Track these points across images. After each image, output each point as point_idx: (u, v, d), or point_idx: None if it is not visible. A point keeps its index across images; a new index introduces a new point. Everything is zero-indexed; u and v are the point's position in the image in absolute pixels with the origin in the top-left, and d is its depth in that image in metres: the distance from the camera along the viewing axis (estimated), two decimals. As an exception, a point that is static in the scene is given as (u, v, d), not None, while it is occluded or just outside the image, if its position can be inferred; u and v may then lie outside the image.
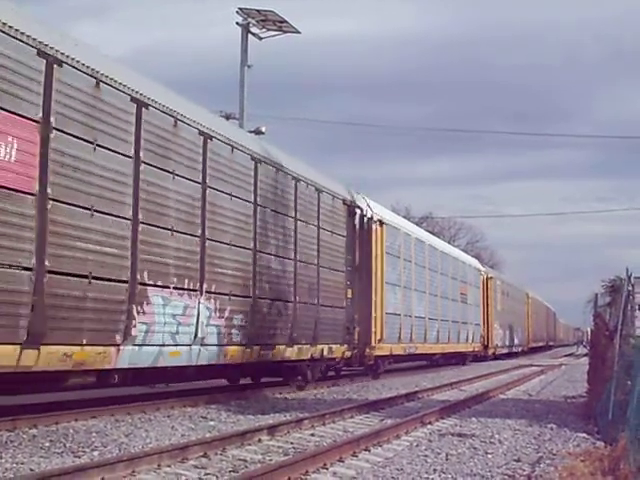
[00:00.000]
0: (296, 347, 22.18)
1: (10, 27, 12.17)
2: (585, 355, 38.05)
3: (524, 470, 11.10)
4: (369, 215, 28.73)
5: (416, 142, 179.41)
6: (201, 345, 17.36)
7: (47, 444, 11.98)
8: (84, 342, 13.53)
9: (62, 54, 13.24)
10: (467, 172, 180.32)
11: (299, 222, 22.67)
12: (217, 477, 9.97)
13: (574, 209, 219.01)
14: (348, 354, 26.22)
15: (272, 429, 13.83)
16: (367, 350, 27.99)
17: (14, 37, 12.25)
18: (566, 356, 74.95)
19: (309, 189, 23.54)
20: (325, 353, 24.28)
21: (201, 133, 17.57)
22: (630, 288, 17.70)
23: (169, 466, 10.49)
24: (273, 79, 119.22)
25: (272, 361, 21.33)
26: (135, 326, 14.93)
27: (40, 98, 12.69)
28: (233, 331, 18.78)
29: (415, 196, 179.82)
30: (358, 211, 27.65)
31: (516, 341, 63.55)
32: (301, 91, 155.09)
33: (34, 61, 12.62)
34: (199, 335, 17.17)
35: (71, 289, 13.20)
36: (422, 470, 10.86)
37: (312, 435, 14.07)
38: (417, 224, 54.72)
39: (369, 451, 12.35)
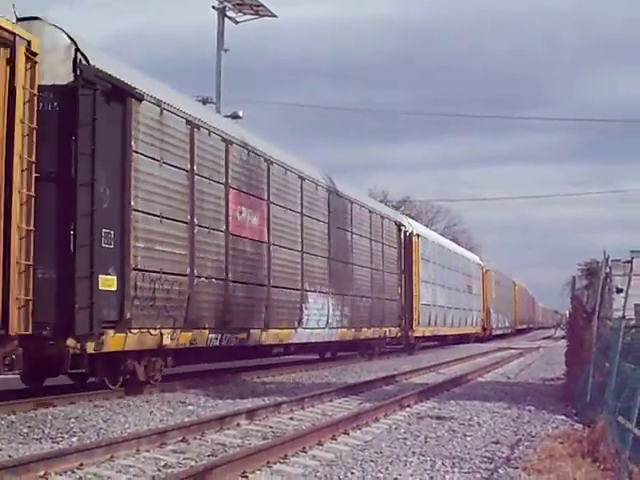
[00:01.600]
0: (372, 329, 32.06)
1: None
2: (563, 338, 38.34)
3: (503, 452, 11.13)
4: (410, 230, 38.91)
5: (394, 126, 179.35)
6: (329, 328, 27.18)
7: (25, 430, 11.94)
8: (283, 326, 23.43)
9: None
10: (445, 156, 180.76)
11: (374, 242, 32.97)
12: (196, 461, 9.94)
13: (551, 192, 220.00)
14: (399, 334, 36.26)
15: (251, 413, 13.83)
16: (410, 332, 37.68)
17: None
18: (544, 339, 75.40)
19: (376, 217, 33.79)
20: (387, 334, 34.43)
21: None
22: (607, 271, 17.78)
23: (148, 451, 10.47)
24: (250, 63, 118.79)
25: (359, 339, 31.12)
26: (302, 316, 24.86)
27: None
28: (343, 319, 28.59)
29: (393, 180, 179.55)
30: (403, 228, 37.80)
31: (507, 324, 74.68)
32: (277, 75, 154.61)
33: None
34: (329, 321, 27.11)
35: (282, 297, 23.43)
36: (401, 453, 10.87)
37: (291, 419, 14.07)
38: (395, 208, 56.13)
39: (348, 434, 12.36)
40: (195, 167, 18.58)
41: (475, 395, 18.77)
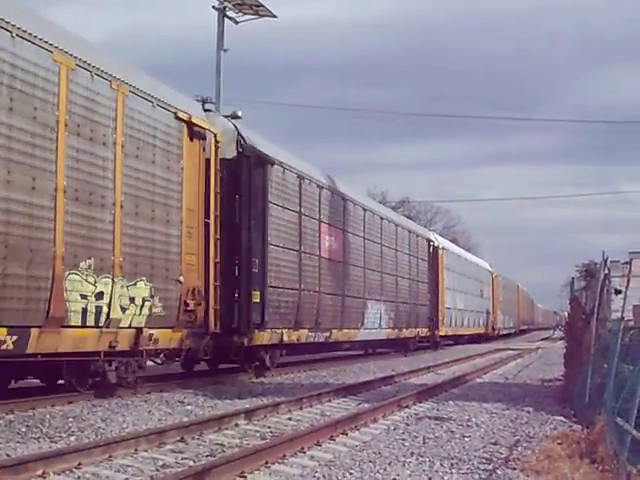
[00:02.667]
0: (409, 329, 38.53)
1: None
2: (561, 339, 38.52)
3: (501, 453, 11.15)
4: (436, 244, 45.36)
5: (392, 126, 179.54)
6: (380, 328, 33.57)
7: (24, 429, 11.93)
8: (352, 327, 29.70)
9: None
10: (443, 156, 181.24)
11: (411, 257, 39.62)
12: (194, 461, 9.94)
13: (550, 193, 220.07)
14: (428, 334, 42.61)
15: (249, 413, 13.83)
16: (436, 332, 43.96)
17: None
18: (543, 340, 75.50)
19: (413, 235, 40.38)
20: (419, 333, 40.82)
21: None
22: (606, 272, 17.77)
23: (146, 451, 10.47)
24: (249, 63, 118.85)
25: (400, 337, 37.31)
26: (364, 319, 31.30)
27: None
28: (389, 321, 34.96)
29: (391, 180, 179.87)
30: (432, 243, 44.48)
31: (511, 324, 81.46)
32: (277, 75, 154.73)
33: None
34: (381, 323, 33.60)
35: (352, 304, 29.64)
36: (399, 453, 10.88)
37: (289, 419, 14.07)
38: (394, 209, 57.28)
39: (346, 435, 12.37)
40: (302, 208, 25.01)
41: (474, 396, 18.79)
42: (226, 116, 27.79)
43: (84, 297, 14.56)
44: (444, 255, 46.64)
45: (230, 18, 33.87)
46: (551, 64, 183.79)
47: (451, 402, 17.27)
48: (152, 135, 16.93)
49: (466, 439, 12.38)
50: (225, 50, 33.58)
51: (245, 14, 34.22)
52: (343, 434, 12.34)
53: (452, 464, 10.22)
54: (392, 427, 13.45)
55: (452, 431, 13.16)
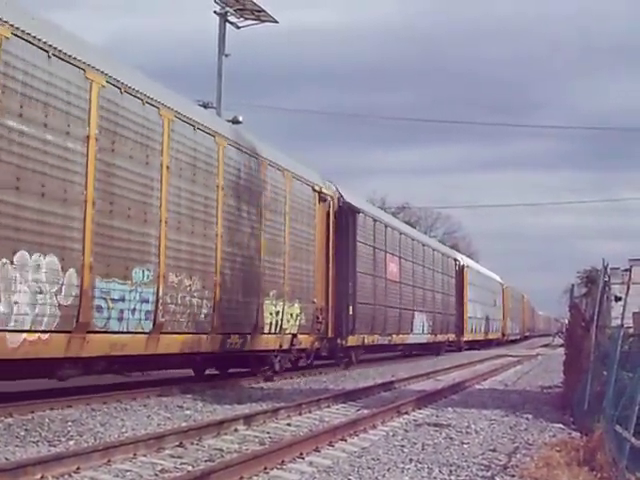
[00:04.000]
0: (442, 335, 46.49)
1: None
2: (561, 346, 38.55)
3: (500, 460, 11.14)
4: (461, 263, 54.26)
5: (392, 131, 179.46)
6: (423, 334, 41.48)
7: (22, 433, 11.93)
8: (405, 332, 37.43)
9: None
10: (443, 162, 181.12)
11: (444, 275, 48.24)
12: (193, 467, 9.94)
13: (548, 200, 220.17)
14: (455, 339, 50.86)
15: (248, 419, 13.82)
16: (461, 337, 52.35)
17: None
18: (542, 346, 75.54)
19: (444, 257, 49.15)
20: (449, 338, 49.02)
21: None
22: (606, 279, 17.76)
23: (145, 455, 10.46)
24: (250, 68, 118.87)
25: (435, 342, 45.20)
26: (412, 326, 38.85)
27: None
28: (429, 328, 42.92)
29: (390, 186, 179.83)
30: (458, 262, 53.29)
31: (517, 330, 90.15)
32: (276, 80, 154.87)
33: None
34: (423, 329, 41.51)
35: (405, 314, 37.57)
36: (398, 460, 10.87)
37: (288, 425, 14.06)
38: (394, 214, 58.49)
39: (345, 441, 12.36)
40: (375, 243, 33.08)
41: (473, 402, 18.78)
42: (228, 120, 27.88)
43: (270, 314, 22.50)
44: (467, 272, 55.08)
45: (231, 23, 33.90)
46: (552, 70, 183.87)
47: (450, 408, 17.27)
48: (307, 206, 25.68)
49: (465, 446, 12.38)
50: (226, 55, 33.61)
51: (246, 19, 34.24)
52: (342, 440, 12.34)
53: (451, 471, 10.22)
54: (391, 433, 13.45)
55: (451, 437, 13.16)
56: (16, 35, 13.16)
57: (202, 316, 18.65)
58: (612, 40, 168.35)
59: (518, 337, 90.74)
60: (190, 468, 9.85)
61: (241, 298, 20.64)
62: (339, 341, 27.96)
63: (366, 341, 31.28)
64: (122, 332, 15.71)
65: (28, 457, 9.90)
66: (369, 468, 10.21)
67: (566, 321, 27.72)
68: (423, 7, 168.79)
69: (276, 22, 34.91)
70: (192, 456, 10.67)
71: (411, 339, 39.49)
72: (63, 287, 14.01)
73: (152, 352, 17.07)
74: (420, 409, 17.03)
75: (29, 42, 13.47)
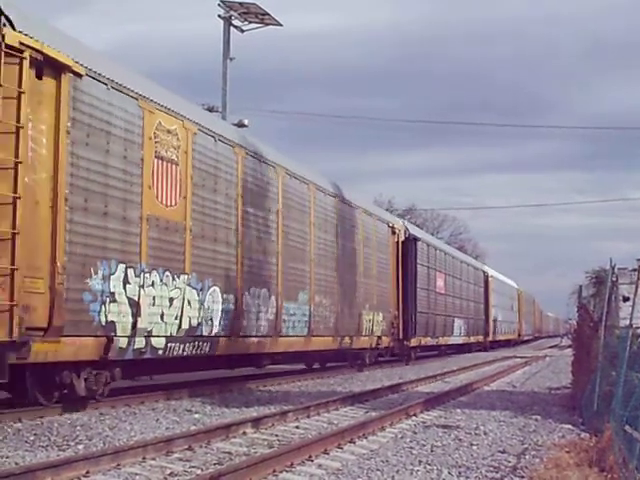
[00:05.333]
0: (473, 337, 54.27)
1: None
2: (569, 346, 38.54)
3: (509, 461, 11.12)
4: (488, 274, 62.18)
5: (398, 134, 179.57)
6: (460, 336, 49.23)
7: (32, 438, 11.94)
8: (447, 335, 45.62)
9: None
10: (449, 164, 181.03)
11: (475, 285, 56.04)
12: (202, 470, 9.94)
13: (555, 201, 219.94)
14: (482, 340, 58.02)
15: (256, 422, 13.81)
16: (487, 338, 59.69)
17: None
18: (550, 347, 75.56)
19: (474, 270, 56.93)
20: (478, 339, 56.46)
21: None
22: (614, 279, 17.73)
23: (154, 459, 10.47)
24: (255, 72, 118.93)
25: (468, 342, 52.73)
26: (452, 330, 46.93)
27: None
28: (464, 331, 50.32)
29: (397, 188, 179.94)
30: (485, 273, 61.42)
31: (530, 331, 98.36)
32: (282, 83, 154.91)
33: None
34: (460, 332, 49.15)
35: (448, 320, 45.84)
36: (407, 462, 10.86)
37: (297, 427, 14.06)
38: (400, 216, 57.82)
39: (354, 443, 12.35)
40: (429, 264, 40.66)
41: (481, 404, 18.77)
42: (234, 124, 27.91)
43: (366, 321, 30.14)
44: (491, 281, 62.93)
45: (236, 27, 33.93)
46: (558, 72, 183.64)
47: (459, 410, 17.25)
48: (385, 238, 33.48)
49: (474, 447, 12.36)
50: (231, 59, 33.65)
51: (251, 22, 34.28)
52: (351, 442, 12.33)
53: (460, 472, 10.21)
54: (400, 435, 13.43)
55: (460, 439, 13.14)
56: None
57: (330, 324, 26.41)
58: (622, 40, 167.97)
59: (531, 337, 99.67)
60: (199, 471, 9.85)
61: (349, 310, 28.36)
62: (405, 342, 35.42)
63: (422, 342, 38.91)
64: (293, 336, 23.33)
65: (37, 462, 9.90)
66: (378, 470, 10.20)
67: (574, 322, 27.68)
68: (429, 9, 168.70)
69: (280, 25, 34.99)
70: (201, 459, 10.66)
71: (452, 340, 47.73)
72: (269, 308, 21.67)
73: (306, 349, 25.09)
74: (428, 411, 17.01)
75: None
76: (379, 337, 31.76)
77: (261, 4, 33.14)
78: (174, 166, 17.11)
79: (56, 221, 13.35)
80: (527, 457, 11.51)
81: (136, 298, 15.52)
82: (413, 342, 36.41)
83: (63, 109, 13.62)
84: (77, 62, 13.96)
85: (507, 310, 72.07)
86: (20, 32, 12.72)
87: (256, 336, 20.83)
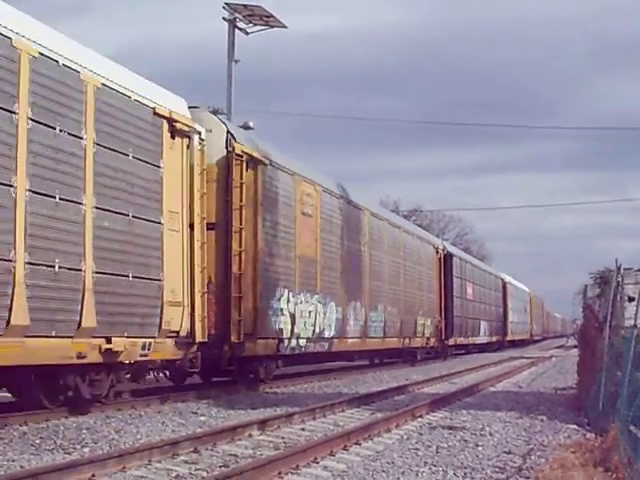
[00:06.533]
0: (494, 337, 60.61)
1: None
2: (575, 347, 38.53)
3: (515, 462, 11.13)
4: (506, 281, 68.62)
5: (403, 136, 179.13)
6: (484, 336, 56.47)
7: (38, 441, 11.95)
8: (475, 335, 53.71)
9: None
10: (455, 165, 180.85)
11: (495, 291, 62.92)
12: (208, 472, 9.95)
13: (559, 201, 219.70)
14: (501, 339, 63.86)
15: (262, 424, 13.82)
16: (506, 337, 66.38)
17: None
18: (556, 348, 75.48)
19: (496, 278, 64.74)
20: (496, 339, 61.56)
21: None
22: (619, 279, 17.71)
23: (160, 462, 10.48)
24: (261, 73, 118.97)
25: (491, 342, 59.03)
26: (479, 331, 54.88)
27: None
28: (488, 332, 57.75)
29: (402, 189, 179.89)
30: (503, 280, 67.50)
31: (539, 332, 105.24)
32: (287, 85, 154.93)
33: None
34: (485, 333, 56.61)
35: (475, 323, 53.20)
36: (413, 463, 10.87)
37: (303, 429, 14.06)
38: (406, 217, 58.62)
39: (360, 445, 12.35)
40: (462, 275, 48.00)
41: (487, 405, 18.76)
42: (239, 126, 27.94)
43: (419, 325, 37.30)
44: (508, 287, 69.44)
45: (240, 29, 33.94)
46: (561, 72, 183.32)
47: (464, 411, 17.24)
48: (431, 257, 41.24)
49: (479, 448, 12.37)
50: (236, 61, 33.67)
51: (255, 25, 34.29)
52: (356, 444, 12.32)
53: (465, 473, 10.22)
54: (405, 437, 13.44)
55: (465, 440, 13.15)
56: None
57: (396, 327, 33.73)
58: (628, 39, 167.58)
59: (540, 337, 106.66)
60: (205, 474, 9.87)
61: (408, 316, 35.59)
62: (445, 341, 42.86)
63: (457, 341, 46.25)
64: (374, 337, 30.96)
65: (43, 465, 9.93)
66: (384, 472, 10.21)
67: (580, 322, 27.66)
68: (433, 10, 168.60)
69: (285, 27, 35.00)
70: (206, 462, 10.68)
71: (479, 340, 54.90)
72: (361, 317, 29.13)
73: (381, 348, 32.83)
74: (434, 412, 17.01)
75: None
76: (428, 338, 39.30)
77: (265, 6, 33.18)
78: (310, 218, 24.53)
79: (256, 265, 20.72)
80: (532, 457, 11.52)
81: (293, 312, 22.81)
82: (451, 341, 44.38)
83: (259, 188, 21.02)
84: (265, 157, 21.51)
85: (521, 312, 79.09)
86: (239, 143, 20.27)
87: (353, 337, 28.52)
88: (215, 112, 31.37)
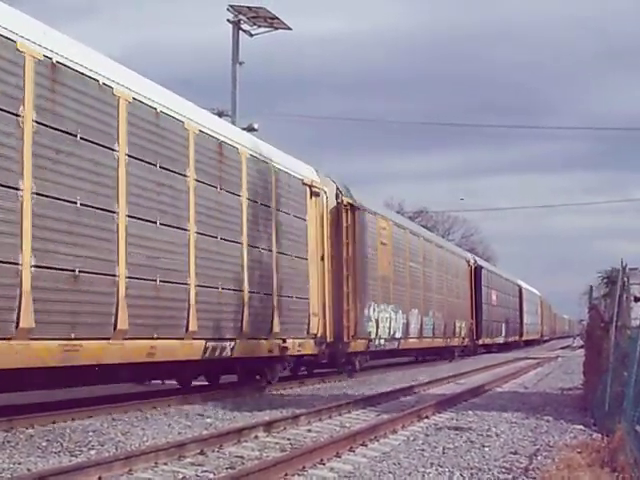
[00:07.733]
0: (512, 337, 65.86)
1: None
2: (581, 347, 38.52)
3: (521, 463, 11.12)
4: (521, 287, 74.26)
5: (407, 137, 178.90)
6: (504, 337, 61.65)
7: (44, 444, 11.96)
8: (499, 335, 60.09)
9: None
10: (458, 166, 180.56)
11: (513, 297, 69.23)
12: (214, 474, 9.96)
13: (564, 201, 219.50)
14: (518, 339, 69.51)
15: (268, 425, 13.83)
16: (522, 337, 72.30)
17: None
18: (562, 348, 75.55)
19: (514, 285, 70.88)
20: (515, 339, 68.00)
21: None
22: (625, 279, 17.69)
23: (166, 464, 10.48)
24: (265, 75, 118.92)
25: (515, 340, 68.66)
26: (501, 331, 60.31)
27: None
28: (507, 332, 62.70)
29: (407, 191, 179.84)
30: (519, 287, 72.63)
31: (548, 332, 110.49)
32: (292, 87, 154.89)
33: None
34: (504, 334, 61.63)
35: (494, 324, 57.93)
36: (419, 464, 10.87)
37: (309, 431, 14.06)
38: (411, 219, 58.74)
39: (366, 446, 12.34)
40: (488, 284, 55.22)
41: (493, 405, 18.74)
42: (243, 128, 27.97)
43: (457, 327, 44.74)
44: (523, 291, 75.06)
45: (245, 31, 33.98)
46: (563, 73, 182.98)
47: (470, 412, 17.22)
48: (464, 269, 49.07)
49: (486, 449, 12.36)
50: (241, 63, 33.71)
51: (260, 26, 34.33)
52: (363, 445, 12.31)
53: (472, 474, 10.21)
54: (411, 438, 13.43)
55: (472, 441, 13.13)
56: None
57: (441, 329, 40.55)
58: (627, 41, 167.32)
59: (549, 338, 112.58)
60: (211, 476, 9.88)
61: (449, 320, 42.75)
62: (475, 341, 49.79)
63: (485, 341, 53.41)
64: (426, 337, 37.87)
65: (50, 467, 9.93)
66: (390, 473, 10.21)
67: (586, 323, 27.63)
68: (434, 12, 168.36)
69: (289, 29, 35.05)
70: (213, 464, 10.68)
71: (501, 340, 60.87)
72: (417, 320, 35.75)
73: (432, 346, 39.75)
74: (440, 413, 16.99)
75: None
76: (463, 338, 46.20)
77: (270, 8, 33.20)
78: (385, 246, 31.57)
79: (356, 285, 27.43)
80: (539, 458, 11.50)
81: (377, 318, 29.89)
82: (480, 341, 51.84)
83: (357, 227, 27.69)
84: (358, 203, 27.97)
85: (533, 315, 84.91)
86: (345, 196, 26.91)
87: (413, 337, 35.70)
88: (220, 114, 31.48)
